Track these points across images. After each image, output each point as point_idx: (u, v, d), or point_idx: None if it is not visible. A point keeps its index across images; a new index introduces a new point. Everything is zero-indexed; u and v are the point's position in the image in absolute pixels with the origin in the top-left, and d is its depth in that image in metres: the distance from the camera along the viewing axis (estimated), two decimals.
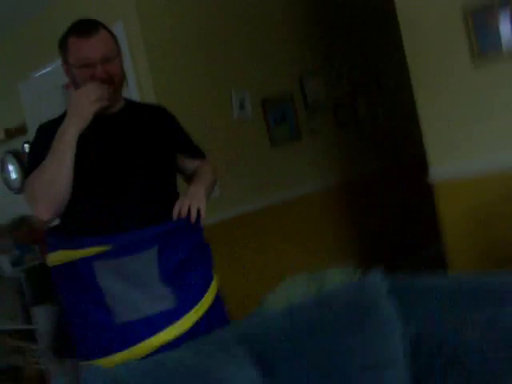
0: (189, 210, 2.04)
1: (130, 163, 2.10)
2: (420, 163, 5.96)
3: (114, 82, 2.06)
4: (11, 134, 4.47)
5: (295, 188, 4.31)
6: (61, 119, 2.13)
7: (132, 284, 1.99)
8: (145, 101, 2.40)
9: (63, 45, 2.10)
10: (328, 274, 2.38)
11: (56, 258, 2.05)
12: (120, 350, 1.92)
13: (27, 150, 4.49)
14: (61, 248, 2.03)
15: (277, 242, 4.07)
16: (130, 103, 2.27)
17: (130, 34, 3.59)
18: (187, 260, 2.09)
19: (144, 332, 1.93)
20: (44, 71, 4.15)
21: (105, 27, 2.11)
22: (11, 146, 4.61)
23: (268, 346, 1.91)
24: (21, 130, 4.43)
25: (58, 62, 3.89)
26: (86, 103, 1.90)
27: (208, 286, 2.15)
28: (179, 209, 2.05)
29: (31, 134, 4.05)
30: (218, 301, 2.19)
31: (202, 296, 2.09)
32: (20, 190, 4.64)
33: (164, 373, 1.63)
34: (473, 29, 2.84)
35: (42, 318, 4.13)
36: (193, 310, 2.03)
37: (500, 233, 2.94)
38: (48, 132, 2.08)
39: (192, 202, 2.05)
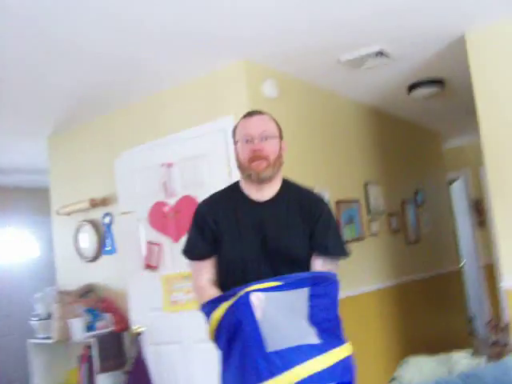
0: None
1: (267, 258, 2.36)
2: (453, 274, 6.52)
3: (269, 158, 2.37)
4: (95, 204, 4.72)
5: (357, 285, 4.64)
6: (218, 199, 2.50)
7: (286, 314, 2.19)
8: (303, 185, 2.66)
9: (235, 129, 2.49)
10: (454, 357, 2.65)
11: (219, 312, 2.26)
12: (269, 377, 2.06)
13: (106, 221, 4.75)
14: (222, 301, 2.27)
15: None
16: (286, 186, 2.51)
17: None
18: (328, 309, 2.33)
19: (294, 359, 2.08)
20: (137, 150, 4.47)
21: (268, 114, 2.49)
22: (91, 215, 4.85)
23: None
24: (104, 202, 4.70)
25: (151, 143, 4.31)
26: None
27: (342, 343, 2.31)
28: None
29: (121, 206, 4.34)
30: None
31: (341, 344, 2.25)
32: (92, 259, 4.86)
33: None
34: None
35: None
36: (334, 350, 2.18)
37: None
38: (205, 213, 2.44)
39: None
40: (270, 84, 4.08)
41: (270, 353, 2.09)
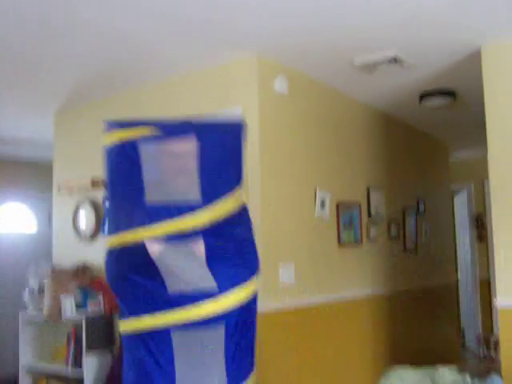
0: None
1: None
2: (449, 286, 6.52)
3: None
4: (96, 183, 4.71)
5: (351, 289, 4.64)
6: None
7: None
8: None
9: None
10: (440, 372, 2.64)
11: None
12: (167, 308, 2.43)
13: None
14: None
15: (332, 337, 4.33)
16: None
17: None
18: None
19: (190, 301, 2.41)
20: None
21: None
22: (91, 195, 4.85)
23: None
24: (105, 183, 4.68)
25: None
26: None
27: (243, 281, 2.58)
28: None
29: None
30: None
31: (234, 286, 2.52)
32: (89, 239, 4.86)
33: None
34: None
35: (95, 365, 4.25)
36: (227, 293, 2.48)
37: None
38: None
39: None
40: (281, 80, 4.07)
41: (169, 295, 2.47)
